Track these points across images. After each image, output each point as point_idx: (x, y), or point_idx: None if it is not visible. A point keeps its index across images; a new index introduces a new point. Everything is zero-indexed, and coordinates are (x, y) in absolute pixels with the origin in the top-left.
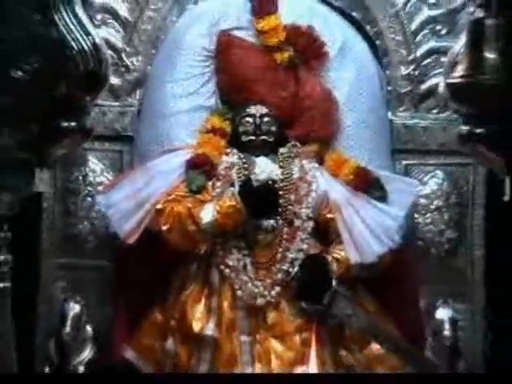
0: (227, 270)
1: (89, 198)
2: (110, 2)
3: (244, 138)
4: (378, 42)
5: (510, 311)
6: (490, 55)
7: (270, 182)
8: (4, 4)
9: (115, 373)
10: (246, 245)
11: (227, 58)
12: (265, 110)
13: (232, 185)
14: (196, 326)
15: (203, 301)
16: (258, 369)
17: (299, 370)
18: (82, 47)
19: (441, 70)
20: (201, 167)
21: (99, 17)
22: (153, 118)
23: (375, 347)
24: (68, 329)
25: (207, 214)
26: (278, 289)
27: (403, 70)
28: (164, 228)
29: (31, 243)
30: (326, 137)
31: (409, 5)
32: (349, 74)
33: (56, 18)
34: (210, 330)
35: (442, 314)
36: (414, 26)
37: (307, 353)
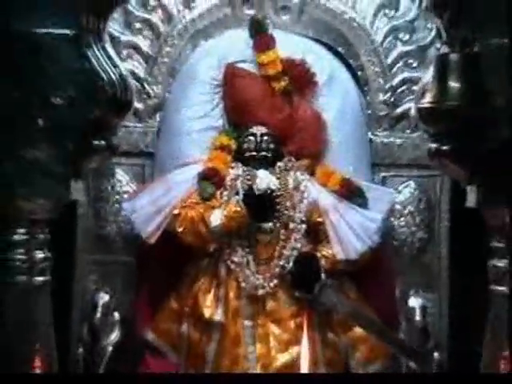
0: (233, 265)
1: (116, 205)
2: (134, 39)
3: (247, 154)
4: (359, 73)
5: (470, 300)
6: (453, 84)
7: (269, 191)
8: (45, 42)
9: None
10: (248, 244)
11: (233, 86)
12: (264, 130)
13: (237, 193)
14: (206, 313)
15: (212, 291)
16: (259, 348)
17: (293, 349)
18: (111, 78)
19: (412, 96)
20: (211, 178)
21: (125, 52)
22: (170, 136)
23: (358, 330)
24: (98, 315)
25: (216, 218)
26: (275, 281)
27: (381, 97)
28: (179, 230)
29: (68, 243)
30: (316, 153)
31: (385, 42)
32: (335, 100)
33: (89, 53)
34: (218, 315)
35: (414, 302)
36: (389, 60)
37: (300, 335)
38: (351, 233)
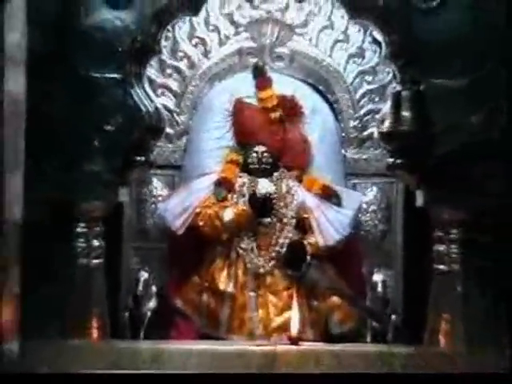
0: (241, 251)
1: (153, 205)
2: (166, 81)
3: (251, 166)
4: (335, 105)
5: (418, 275)
6: (405, 114)
7: (268, 195)
8: (100, 83)
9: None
10: (252, 234)
11: (240, 116)
12: (264, 149)
13: (243, 196)
14: (221, 286)
15: (225, 270)
16: (260, 313)
17: (286, 313)
18: (148, 110)
19: (375, 123)
20: (224, 185)
21: (159, 90)
22: (193, 154)
23: (335, 299)
24: (140, 288)
25: (228, 214)
26: (273, 262)
27: (351, 123)
28: (200, 224)
29: (117, 234)
30: (303, 165)
31: (354, 82)
32: (317, 126)
33: (132, 92)
34: (230, 288)
35: (377, 277)
36: (358, 96)
37: (291, 302)
38: (329, 225)
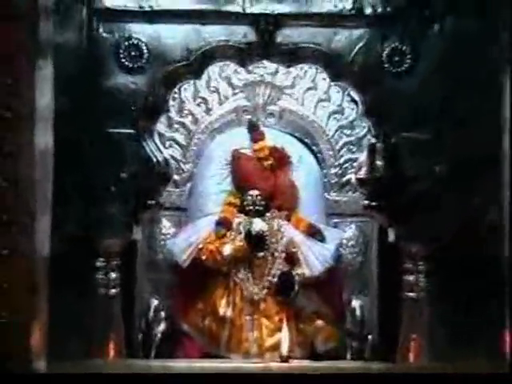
0: (238, 280)
1: (162, 242)
2: (173, 134)
3: (247, 208)
4: (318, 155)
5: (391, 301)
6: (378, 162)
7: (261, 232)
8: (115, 138)
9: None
10: (248, 266)
11: (237, 164)
12: (258, 193)
13: (240, 233)
14: (221, 311)
15: (225, 297)
16: (255, 334)
17: (277, 335)
18: (158, 159)
19: (353, 170)
20: (223, 224)
21: (167, 143)
22: (197, 197)
23: (319, 322)
24: (151, 313)
25: (227, 249)
26: (266, 290)
27: (332, 170)
28: (203, 257)
29: (131, 267)
30: (291, 207)
31: (335, 135)
32: (303, 173)
33: (144, 144)
34: (229, 313)
35: (355, 303)
36: (338, 146)
37: (282, 325)
38: (314, 258)
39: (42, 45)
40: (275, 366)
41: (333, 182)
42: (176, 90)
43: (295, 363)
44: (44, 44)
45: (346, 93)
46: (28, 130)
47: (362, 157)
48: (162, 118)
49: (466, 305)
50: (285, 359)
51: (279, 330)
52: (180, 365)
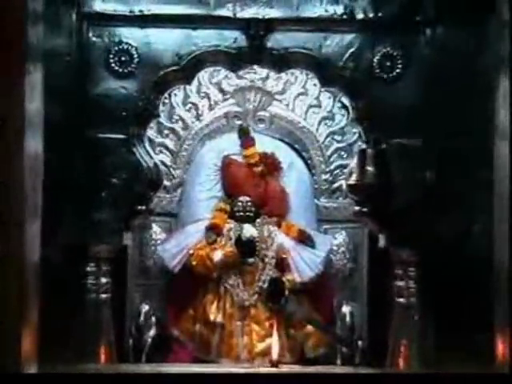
0: (228, 286)
1: (153, 247)
2: (163, 140)
3: (237, 214)
4: (309, 161)
5: (381, 307)
6: (369, 169)
7: (252, 238)
8: (106, 143)
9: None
10: (238, 272)
11: (227, 170)
12: (248, 199)
13: (231, 239)
14: (212, 317)
15: (215, 303)
16: (245, 340)
17: (267, 340)
18: (148, 165)
19: (343, 176)
20: (214, 230)
21: (158, 149)
22: (187, 203)
23: (308, 328)
24: (142, 319)
25: (217, 255)
26: (256, 296)
27: (323, 177)
28: (194, 263)
29: (122, 272)
30: (282, 213)
31: (325, 141)
32: (293, 179)
33: (134, 150)
34: (219, 318)
35: (345, 309)
36: (328, 153)
37: (272, 331)
38: (304, 264)
39: (31, 50)
40: (265, 370)
41: (323, 188)
42: (166, 95)
43: (285, 368)
44: (33, 49)
45: (337, 99)
46: (18, 135)
47: (353, 163)
48: (152, 124)
49: (456, 310)
50: (275, 364)
51: (269, 335)
52: (170, 369)
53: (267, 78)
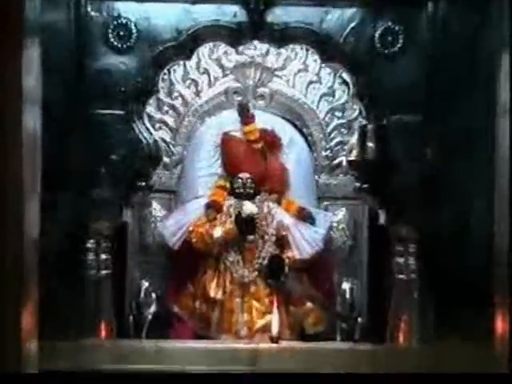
0: (228, 263)
1: (153, 224)
2: (163, 117)
3: (237, 191)
4: (309, 138)
5: (380, 284)
6: (369, 145)
7: (251, 215)
8: (106, 120)
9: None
10: (238, 249)
11: (227, 147)
12: (248, 176)
13: (230, 216)
14: (212, 293)
15: (215, 280)
16: (245, 317)
17: (267, 317)
18: (148, 142)
19: (344, 153)
20: (213, 207)
21: (157, 125)
22: (187, 180)
23: (308, 305)
24: (142, 295)
25: (217, 232)
26: (256, 273)
27: (323, 153)
28: (194, 240)
29: (122, 249)
30: (282, 190)
31: (326, 118)
32: (293, 156)
33: (134, 126)
34: (219, 295)
35: (345, 285)
36: (328, 129)
37: (272, 308)
38: (304, 241)
39: (28, 24)
40: (265, 346)
41: (323, 164)
42: (165, 71)
43: (284, 344)
44: (31, 23)
45: (338, 74)
46: (15, 111)
47: (353, 139)
48: (152, 100)
49: (456, 287)
50: (274, 340)
51: (269, 312)
52: (170, 345)
53: (267, 53)
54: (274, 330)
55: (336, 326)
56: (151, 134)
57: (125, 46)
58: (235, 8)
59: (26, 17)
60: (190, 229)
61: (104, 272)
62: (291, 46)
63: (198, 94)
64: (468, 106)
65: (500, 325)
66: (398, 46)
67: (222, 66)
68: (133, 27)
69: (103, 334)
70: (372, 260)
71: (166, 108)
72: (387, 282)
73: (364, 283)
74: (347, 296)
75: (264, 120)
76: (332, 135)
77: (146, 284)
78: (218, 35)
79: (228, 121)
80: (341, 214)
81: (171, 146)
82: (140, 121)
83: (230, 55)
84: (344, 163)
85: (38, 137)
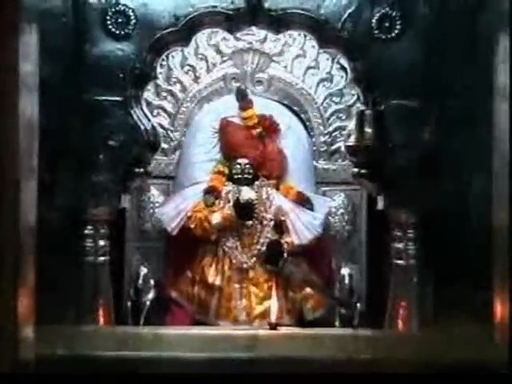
0: (227, 249)
1: (151, 210)
2: (161, 102)
3: (235, 176)
4: (307, 123)
5: (379, 269)
6: (367, 130)
7: (250, 200)
8: (103, 105)
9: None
10: (236, 235)
11: (225, 133)
12: (246, 161)
13: (229, 202)
14: (210, 279)
15: (214, 265)
16: (244, 303)
17: (266, 303)
18: (146, 128)
19: (342, 138)
20: (212, 192)
21: (155, 111)
22: (185, 166)
23: (307, 290)
24: (140, 281)
25: (216, 218)
26: (254, 259)
27: (321, 139)
28: (192, 226)
29: (120, 235)
30: (280, 175)
31: (324, 103)
32: (292, 141)
33: (132, 112)
34: (217, 281)
35: (344, 271)
36: (327, 114)
37: (270, 293)
38: (303, 227)
39: (26, 10)
40: (264, 332)
41: (322, 150)
42: (164, 57)
43: (284, 330)
44: (28, 9)
45: (336, 60)
46: (12, 96)
47: (351, 125)
48: (150, 86)
49: (455, 272)
50: (273, 326)
51: (268, 298)
52: (169, 331)
53: (265, 39)
54: (273, 315)
55: (335, 312)
56: (149, 120)
57: (123, 32)
58: None
59: (24, 3)
60: (189, 214)
61: (102, 258)
62: (289, 31)
63: (196, 79)
64: (466, 88)
65: (499, 309)
66: (396, 31)
67: (220, 52)
68: (131, 13)
69: (101, 320)
70: (371, 245)
71: (164, 94)
72: (386, 268)
73: (363, 269)
74: (346, 281)
75: (262, 105)
76: (330, 120)
77: (144, 270)
78: (215, 21)
79: (226, 106)
80: (339, 199)
81: (169, 132)
82: (138, 107)
83: (228, 41)
84: (342, 148)
85: (36, 123)
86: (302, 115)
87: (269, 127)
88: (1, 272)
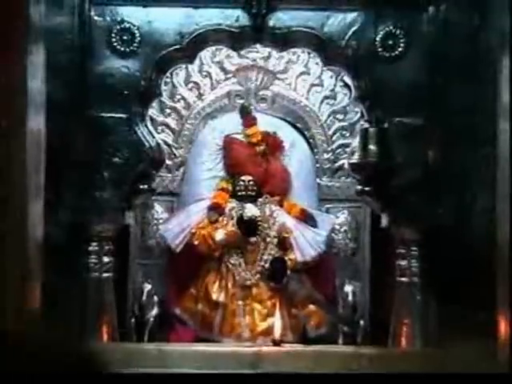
0: (230, 266)
1: (155, 227)
2: (165, 119)
3: (239, 193)
4: (311, 140)
5: (383, 287)
6: (371, 148)
7: (253, 217)
8: (108, 122)
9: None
10: (240, 251)
11: (229, 150)
12: (250, 178)
13: (232, 219)
14: (214, 296)
15: (217, 282)
16: (247, 319)
17: (270, 320)
18: (150, 145)
19: (346, 155)
20: (215, 209)
21: (160, 128)
22: (189, 182)
23: (311, 307)
24: (144, 298)
25: (219, 235)
26: (258, 275)
27: (325, 156)
28: (196, 243)
29: (124, 251)
30: (283, 192)
31: (328, 120)
32: (295, 158)
33: (136, 129)
34: (221, 298)
35: (347, 288)
36: (331, 132)
37: (274, 310)
38: (307, 244)
39: (33, 28)
40: (268, 349)
41: (325, 167)
42: (168, 74)
43: (287, 347)
44: (35, 27)
45: (339, 77)
46: (20, 113)
47: (355, 142)
48: (154, 103)
49: (458, 290)
50: (277, 343)
51: (271, 315)
52: (172, 348)
53: (269, 56)
54: (277, 332)
55: (338, 329)
56: (154, 136)
57: (128, 49)
58: (237, 12)
59: (31, 21)
60: (193, 231)
61: (106, 275)
62: (293, 49)
63: (200, 96)
64: (469, 106)
65: (503, 327)
66: (399, 49)
67: (224, 69)
68: (136, 31)
69: (105, 336)
70: (374, 262)
71: (168, 111)
72: (389, 285)
73: (366, 286)
74: (349, 298)
75: (266, 123)
76: (334, 138)
77: (148, 286)
78: (220, 39)
79: (230, 123)
80: (343, 216)
81: (173, 149)
82: (143, 124)
83: (232, 58)
84: (346, 166)
85: (42, 140)
86: (306, 132)
87: (272, 144)
88: (8, 289)
